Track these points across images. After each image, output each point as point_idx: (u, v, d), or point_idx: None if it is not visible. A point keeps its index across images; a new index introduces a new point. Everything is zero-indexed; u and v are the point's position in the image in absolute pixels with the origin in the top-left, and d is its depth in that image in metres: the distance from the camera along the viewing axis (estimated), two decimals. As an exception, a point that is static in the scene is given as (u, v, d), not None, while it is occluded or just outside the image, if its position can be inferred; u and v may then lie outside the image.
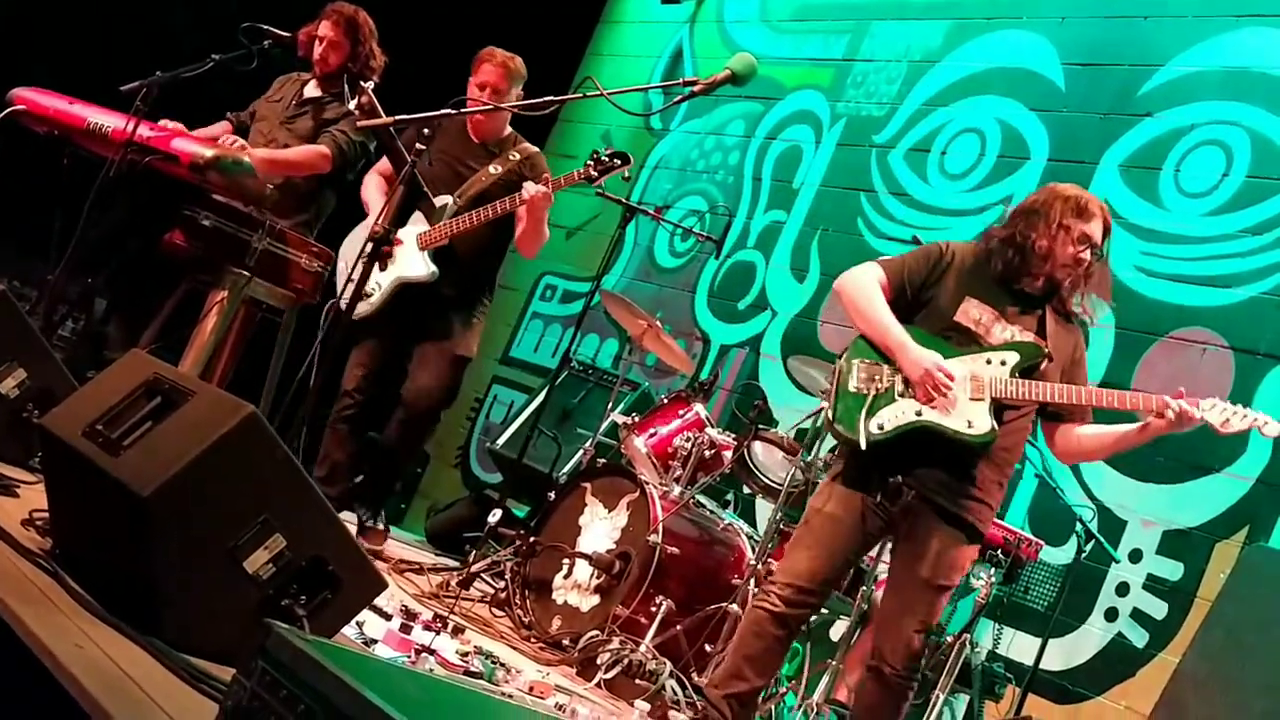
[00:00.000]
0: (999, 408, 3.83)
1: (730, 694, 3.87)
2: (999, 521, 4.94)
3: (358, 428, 5.31)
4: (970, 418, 3.80)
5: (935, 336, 3.92)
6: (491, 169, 5.30)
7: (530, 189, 5.03)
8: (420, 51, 6.98)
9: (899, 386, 3.88)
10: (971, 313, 3.93)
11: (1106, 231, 3.93)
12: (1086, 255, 3.88)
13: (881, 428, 3.85)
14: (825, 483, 4.07)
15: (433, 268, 5.19)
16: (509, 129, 5.52)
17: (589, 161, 5.04)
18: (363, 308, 5.04)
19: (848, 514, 3.90)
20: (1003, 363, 3.85)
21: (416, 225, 5.24)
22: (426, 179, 5.23)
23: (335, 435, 5.31)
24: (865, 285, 3.99)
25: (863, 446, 3.83)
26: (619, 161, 5.00)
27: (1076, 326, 4.01)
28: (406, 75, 5.69)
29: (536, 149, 5.50)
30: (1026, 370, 3.84)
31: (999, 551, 4.73)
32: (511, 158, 5.33)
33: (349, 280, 3.78)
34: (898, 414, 3.86)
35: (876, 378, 3.91)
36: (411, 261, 5.19)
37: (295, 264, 5.21)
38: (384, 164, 5.42)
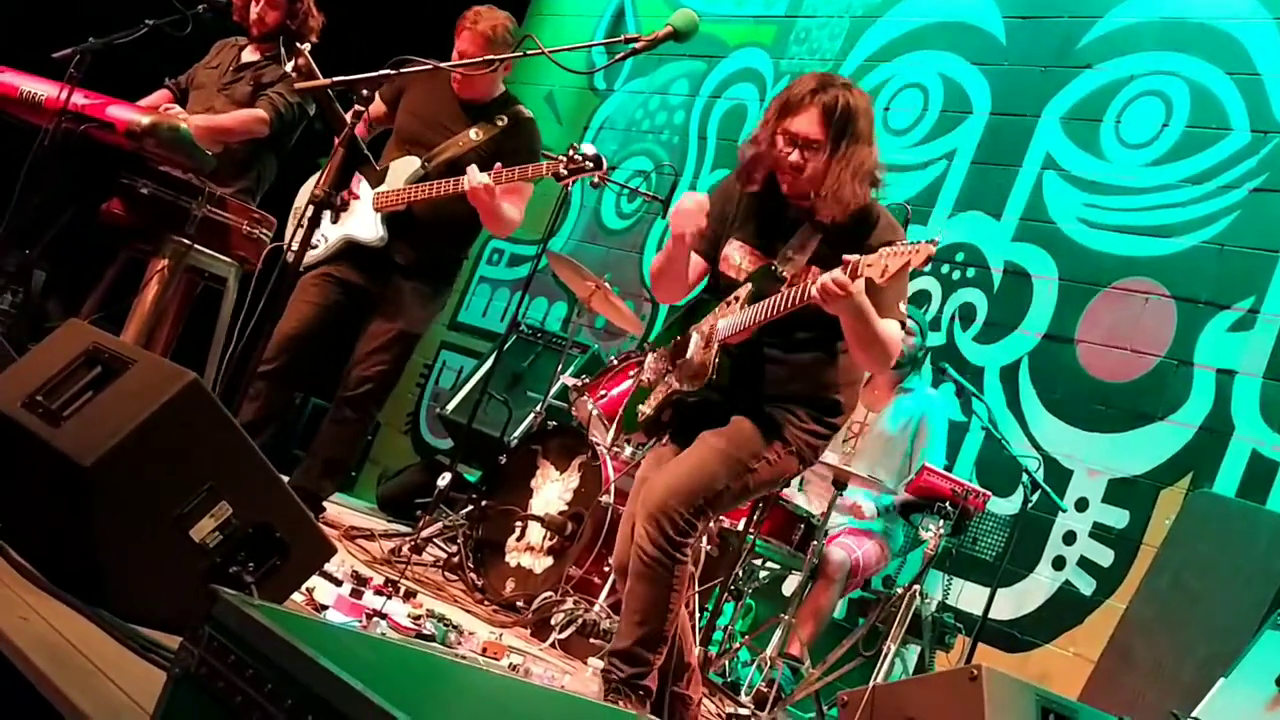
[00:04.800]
0: (739, 354, 3.57)
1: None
2: (944, 473, 4.99)
3: (281, 384, 4.90)
4: (696, 373, 3.62)
5: (709, 302, 3.72)
6: (471, 134, 4.96)
7: (471, 178, 4.67)
8: (361, 11, 6.91)
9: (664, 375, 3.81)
10: (732, 258, 3.68)
11: (831, 118, 3.43)
12: (795, 155, 3.48)
13: (643, 410, 3.79)
14: None
15: (382, 232, 4.91)
16: (501, 88, 5.15)
17: (562, 156, 4.63)
18: (308, 256, 4.72)
19: (655, 470, 3.71)
20: (734, 298, 3.61)
21: (387, 184, 4.96)
22: (401, 137, 5.11)
23: (253, 389, 4.74)
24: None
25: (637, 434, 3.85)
26: (591, 165, 4.60)
27: (847, 230, 3.47)
28: (346, 36, 5.62)
29: (529, 115, 5.12)
30: (758, 296, 3.52)
31: (947, 503, 4.76)
32: (497, 123, 4.98)
33: (295, 229, 3.68)
34: (656, 395, 3.77)
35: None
36: (363, 221, 4.94)
37: (236, 230, 5.15)
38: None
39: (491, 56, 4.34)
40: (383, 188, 4.94)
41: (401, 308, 5.00)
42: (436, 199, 4.79)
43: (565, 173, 4.59)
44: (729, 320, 3.57)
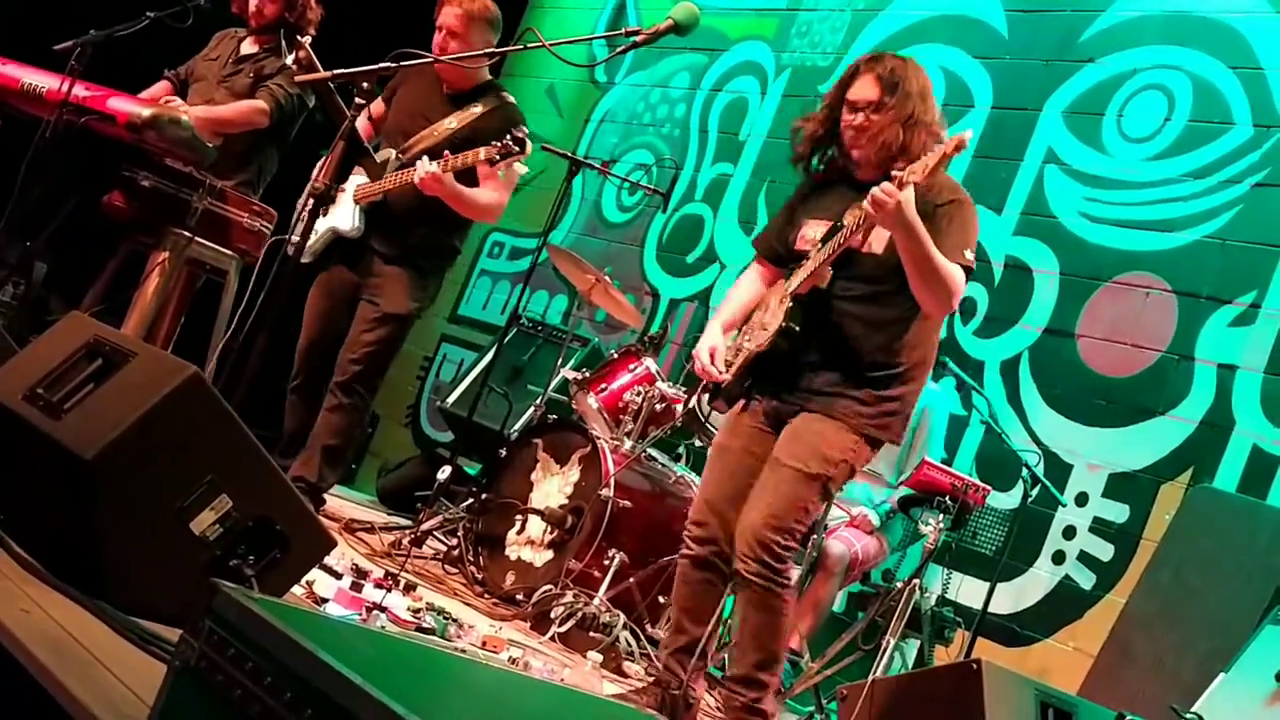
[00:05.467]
0: (810, 302, 3.68)
1: (676, 649, 3.86)
2: (945, 467, 4.99)
3: (309, 395, 5.14)
4: (768, 325, 3.74)
5: (787, 279, 3.83)
6: (447, 123, 4.99)
7: (420, 169, 4.70)
8: (359, 5, 6.91)
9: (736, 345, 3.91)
10: (808, 234, 3.82)
11: (886, 85, 3.65)
12: (859, 118, 3.68)
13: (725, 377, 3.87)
14: None
15: (358, 223, 4.98)
16: (485, 76, 5.18)
17: (497, 142, 4.62)
18: (305, 256, 4.76)
19: (734, 438, 3.85)
20: (807, 258, 3.74)
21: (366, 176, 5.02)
22: (388, 129, 5.14)
23: (288, 404, 5.22)
24: (734, 287, 4.07)
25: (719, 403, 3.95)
26: (517, 149, 4.61)
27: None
28: (346, 29, 5.61)
29: (509, 100, 5.11)
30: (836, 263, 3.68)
31: (947, 498, 4.76)
32: (473, 110, 4.99)
33: (295, 223, 3.70)
34: (735, 361, 3.87)
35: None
36: (342, 213, 5.01)
37: (237, 224, 5.14)
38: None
39: (491, 50, 4.34)
40: (363, 180, 5.00)
41: (383, 291, 5.02)
42: (410, 188, 4.81)
43: (498, 157, 4.62)
44: (799, 272, 3.70)
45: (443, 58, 4.73)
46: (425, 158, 4.75)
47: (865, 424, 3.66)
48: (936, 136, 3.66)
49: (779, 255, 3.96)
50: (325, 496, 5.21)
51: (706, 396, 4.04)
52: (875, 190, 3.39)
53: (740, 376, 3.83)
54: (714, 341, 3.86)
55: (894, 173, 3.40)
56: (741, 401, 3.88)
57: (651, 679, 4.06)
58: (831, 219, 3.74)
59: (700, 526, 3.82)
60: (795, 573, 3.71)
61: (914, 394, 3.78)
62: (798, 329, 3.66)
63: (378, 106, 5.17)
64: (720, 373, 3.80)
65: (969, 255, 3.62)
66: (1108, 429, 5.65)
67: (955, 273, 3.56)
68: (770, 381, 3.78)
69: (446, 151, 4.76)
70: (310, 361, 5.15)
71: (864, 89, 3.68)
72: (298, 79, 3.78)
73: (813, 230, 3.81)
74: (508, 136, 4.63)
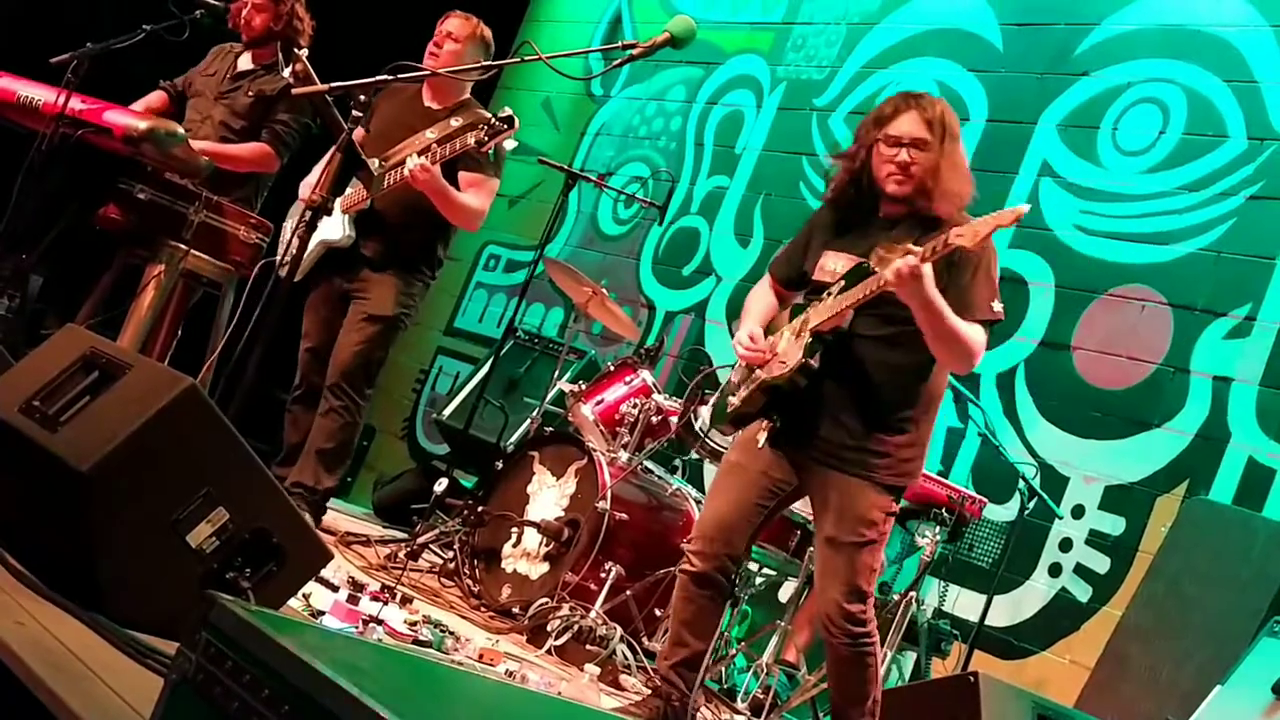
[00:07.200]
0: (831, 342, 3.65)
1: (676, 662, 3.85)
2: (941, 479, 4.99)
3: (311, 407, 5.16)
4: (786, 359, 3.70)
5: (803, 307, 3.82)
6: (428, 134, 5.03)
7: (410, 163, 4.79)
8: (358, 18, 6.93)
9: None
10: (827, 265, 3.78)
11: (933, 125, 3.63)
12: (903, 154, 3.63)
13: (733, 401, 3.86)
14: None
15: (349, 232, 5.05)
16: (467, 94, 5.26)
17: (482, 125, 4.73)
18: (298, 274, 4.87)
19: (751, 460, 3.80)
20: (827, 294, 3.70)
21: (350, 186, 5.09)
22: (368, 141, 5.16)
23: (289, 417, 5.26)
24: (750, 297, 4.04)
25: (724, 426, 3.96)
26: (505, 126, 4.69)
27: (940, 231, 3.48)
28: (343, 42, 5.62)
29: (483, 114, 5.12)
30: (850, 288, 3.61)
31: (943, 510, 4.76)
32: (452, 123, 5.03)
33: (286, 246, 3.73)
34: (746, 387, 3.83)
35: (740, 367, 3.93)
36: (332, 225, 5.05)
37: (233, 236, 5.15)
38: None
39: (487, 64, 4.35)
40: (347, 191, 5.07)
41: (370, 293, 5.10)
42: (396, 193, 4.91)
43: (486, 138, 4.70)
44: (820, 309, 3.67)
45: (438, 70, 4.76)
46: (413, 155, 4.83)
47: (887, 476, 3.67)
48: (972, 184, 3.69)
49: (793, 280, 3.94)
50: (325, 506, 5.22)
51: (709, 414, 4.02)
52: (900, 264, 3.37)
53: (751, 402, 3.80)
54: (751, 328, 3.82)
55: (952, 238, 3.32)
56: (755, 425, 3.84)
57: (650, 691, 4.05)
58: (855, 254, 3.70)
59: (705, 542, 3.78)
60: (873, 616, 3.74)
61: (927, 432, 3.78)
62: (816, 366, 3.64)
63: (359, 134, 5.19)
64: (765, 353, 3.74)
65: (997, 307, 3.62)
66: (1104, 441, 5.65)
67: (973, 334, 3.56)
68: (791, 419, 3.75)
69: (434, 143, 4.85)
70: (311, 373, 5.20)
71: (909, 125, 3.65)
72: (295, 92, 3.78)
73: (832, 262, 3.77)
74: (493, 118, 4.72)
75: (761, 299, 4.01)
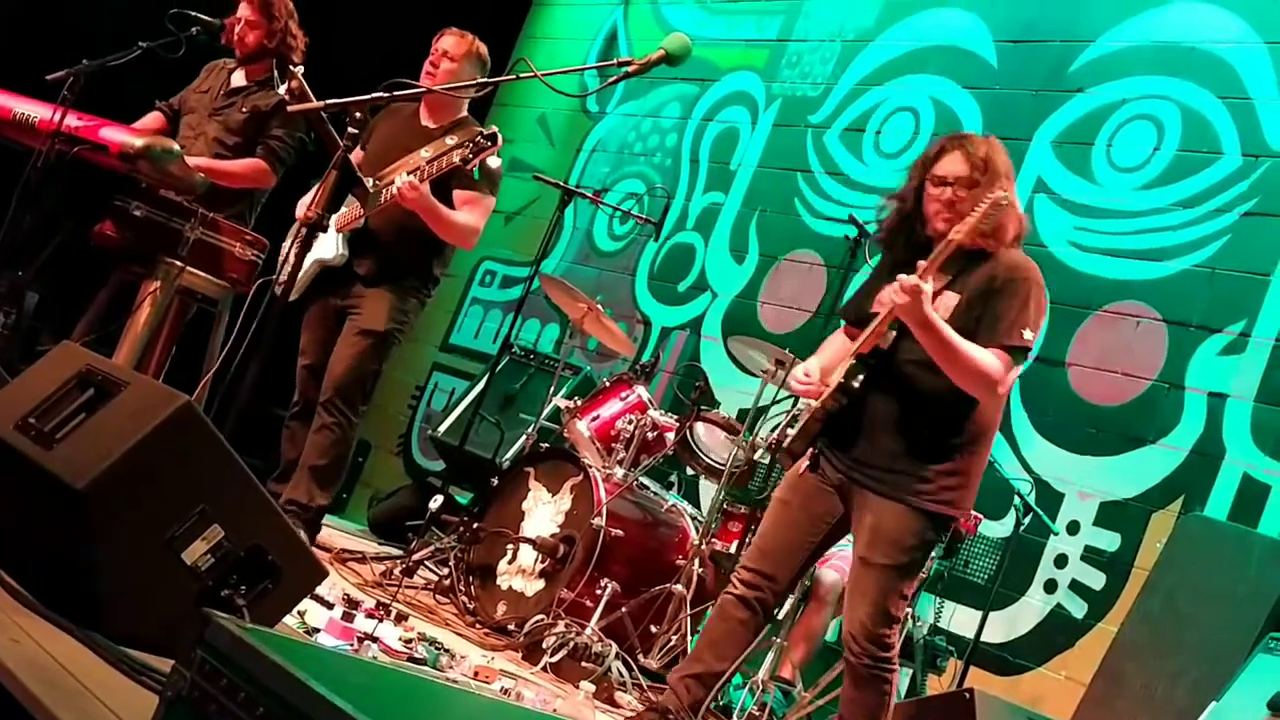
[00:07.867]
0: (874, 365, 3.70)
1: (687, 674, 3.85)
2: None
3: (308, 424, 5.16)
4: (831, 381, 3.75)
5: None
6: (423, 153, 5.04)
7: (399, 180, 4.82)
8: (352, 35, 6.94)
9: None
10: (882, 298, 3.77)
11: (977, 164, 3.70)
12: (948, 193, 3.71)
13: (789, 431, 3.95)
14: None
15: (342, 250, 5.08)
16: (463, 113, 5.28)
17: (467, 141, 4.78)
18: (293, 294, 4.89)
19: (794, 496, 3.85)
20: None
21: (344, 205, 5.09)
22: (367, 160, 5.18)
23: (286, 433, 5.27)
24: (825, 341, 4.10)
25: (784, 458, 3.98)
26: (489, 143, 4.76)
27: (984, 265, 3.69)
28: (338, 60, 5.63)
29: (477, 130, 5.11)
30: (899, 325, 3.67)
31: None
32: (447, 142, 5.02)
33: (282, 263, 3.73)
34: (801, 418, 3.88)
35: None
36: (326, 243, 5.08)
37: (229, 253, 5.14)
38: None
39: (483, 80, 4.36)
40: (342, 209, 5.04)
41: (362, 309, 5.13)
42: (389, 212, 4.94)
43: (471, 155, 4.75)
44: (861, 334, 3.73)
45: (434, 88, 4.77)
46: (402, 173, 4.86)
47: (926, 501, 3.66)
48: (1021, 221, 3.77)
49: (860, 321, 3.92)
50: (320, 523, 5.21)
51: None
52: (901, 279, 3.46)
53: (807, 431, 3.82)
54: (811, 364, 3.87)
55: (951, 235, 3.46)
56: (805, 459, 3.88)
57: (645, 707, 4.05)
58: None
59: (753, 573, 3.83)
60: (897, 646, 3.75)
61: (977, 465, 3.78)
62: (857, 385, 3.67)
63: (356, 154, 5.22)
64: (818, 386, 3.79)
65: (1027, 335, 3.63)
66: (1099, 457, 5.66)
67: (985, 360, 3.56)
68: (832, 440, 3.79)
69: (424, 162, 4.89)
70: (309, 390, 5.21)
71: (953, 165, 3.72)
72: (291, 109, 3.79)
73: (887, 294, 3.80)
74: (477, 135, 4.76)
75: (834, 340, 4.05)
